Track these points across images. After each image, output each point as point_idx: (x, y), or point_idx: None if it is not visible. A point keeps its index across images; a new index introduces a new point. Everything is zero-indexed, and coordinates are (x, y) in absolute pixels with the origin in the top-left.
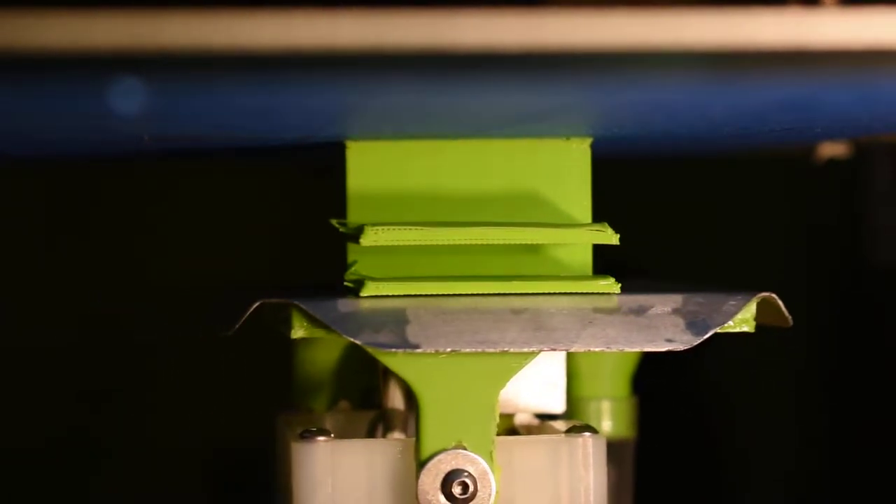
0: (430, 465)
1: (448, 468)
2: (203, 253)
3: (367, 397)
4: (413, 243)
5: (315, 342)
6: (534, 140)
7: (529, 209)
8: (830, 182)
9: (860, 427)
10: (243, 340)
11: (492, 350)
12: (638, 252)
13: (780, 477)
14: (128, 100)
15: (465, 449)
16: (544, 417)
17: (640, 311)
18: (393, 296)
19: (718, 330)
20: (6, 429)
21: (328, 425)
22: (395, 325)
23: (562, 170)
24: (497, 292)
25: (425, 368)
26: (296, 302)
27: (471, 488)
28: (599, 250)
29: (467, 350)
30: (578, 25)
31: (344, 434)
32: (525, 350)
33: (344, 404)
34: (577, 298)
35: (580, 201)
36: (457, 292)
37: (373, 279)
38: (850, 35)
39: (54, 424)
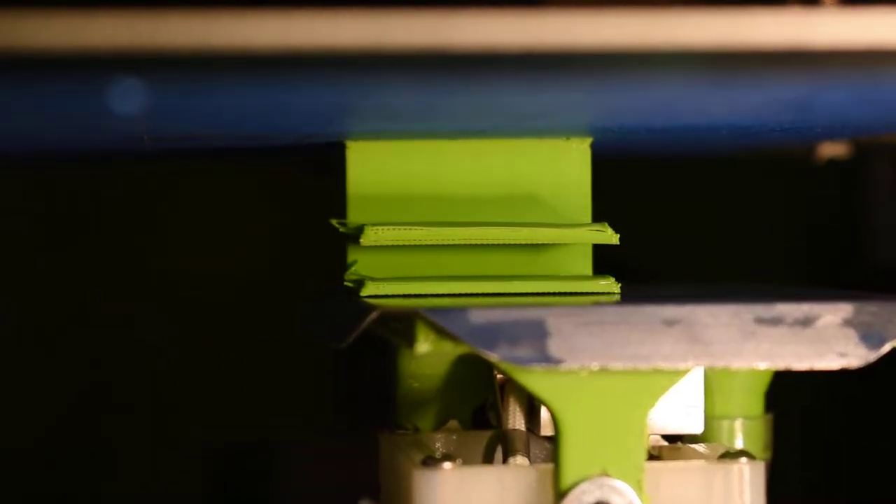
0: (571, 495)
1: (592, 499)
2: (203, 253)
3: (477, 416)
4: (413, 243)
5: (424, 355)
6: (534, 140)
7: (529, 209)
8: (830, 182)
9: (860, 427)
10: (245, 342)
11: (643, 366)
12: (638, 252)
13: (781, 478)
14: (128, 100)
15: (610, 477)
16: (671, 439)
17: (806, 322)
18: (528, 305)
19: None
20: (5, 428)
21: (438, 447)
22: (535, 338)
23: (562, 170)
24: (497, 292)
25: (568, 387)
26: (422, 312)
27: None
28: (599, 250)
29: (616, 366)
30: (578, 25)
31: (458, 457)
32: (680, 366)
33: (453, 424)
34: (735, 309)
35: (580, 201)
36: (456, 292)
37: (373, 279)
38: (850, 35)
39: (53, 425)
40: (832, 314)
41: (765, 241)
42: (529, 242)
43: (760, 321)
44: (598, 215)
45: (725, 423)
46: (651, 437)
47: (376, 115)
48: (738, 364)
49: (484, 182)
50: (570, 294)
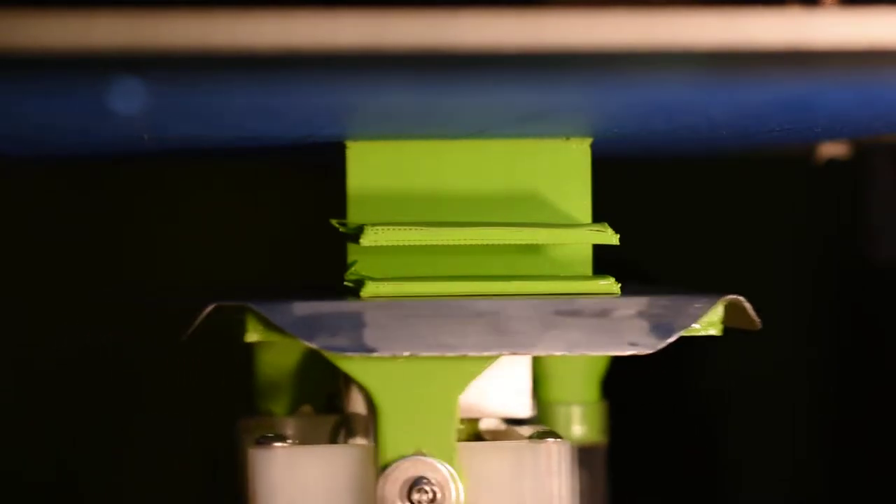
0: (389, 471)
1: (409, 475)
2: (203, 253)
3: (331, 402)
4: (413, 243)
5: (276, 344)
6: (534, 140)
7: (529, 209)
8: (830, 182)
9: (861, 427)
10: (244, 342)
11: (450, 354)
12: (638, 252)
13: (784, 478)
14: (128, 100)
15: (425, 455)
16: (513, 422)
17: (603, 313)
18: (356, 298)
19: (684, 333)
20: (4, 431)
21: (289, 430)
22: (352, 329)
23: (562, 170)
24: (496, 293)
25: (383, 373)
26: (250, 305)
27: (433, 495)
28: (599, 250)
29: (425, 354)
30: (578, 25)
31: (306, 440)
32: (484, 354)
33: (307, 409)
34: (541, 301)
35: (580, 201)
36: (457, 292)
37: (373, 279)
38: (850, 35)
39: (52, 428)
40: (626, 307)
41: (765, 241)
42: (529, 242)
43: (560, 313)
44: (598, 215)
45: (563, 409)
46: (488, 420)
47: (376, 115)
48: (537, 351)
49: (484, 182)
50: (570, 294)
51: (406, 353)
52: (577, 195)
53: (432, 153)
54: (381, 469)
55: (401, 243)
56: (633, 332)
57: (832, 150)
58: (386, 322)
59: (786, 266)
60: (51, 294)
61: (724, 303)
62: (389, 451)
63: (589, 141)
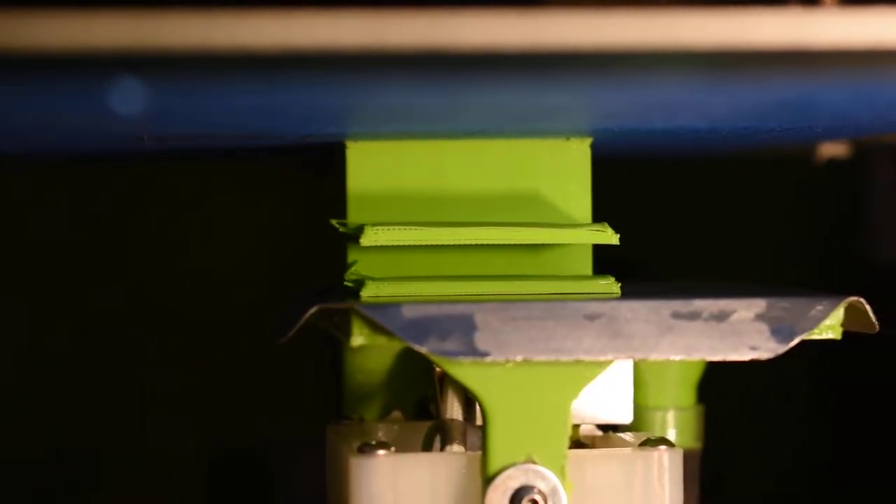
0: (497, 480)
1: (517, 484)
2: (202, 253)
3: (420, 407)
4: (413, 243)
5: (367, 348)
6: (534, 140)
7: (529, 209)
8: (830, 182)
9: (862, 427)
10: (245, 342)
11: (566, 358)
12: (638, 252)
13: (783, 474)
14: (128, 100)
15: (535, 463)
16: (606, 428)
17: (721, 316)
18: (459, 301)
19: (805, 337)
20: (4, 433)
21: (381, 436)
22: (463, 333)
23: (562, 170)
24: (497, 292)
25: (493, 378)
26: (357, 307)
27: None
28: (599, 250)
29: (540, 358)
30: (578, 25)
31: (399, 446)
32: (601, 358)
33: (396, 414)
34: (654, 304)
35: (580, 201)
36: (457, 292)
37: (373, 279)
38: (850, 35)
39: (52, 428)
40: (746, 309)
41: (765, 241)
42: (529, 242)
43: (678, 316)
44: (598, 215)
45: (658, 414)
46: (584, 426)
47: (376, 115)
48: (655, 356)
49: (484, 182)
50: (571, 294)
51: (519, 358)
52: (577, 195)
53: (432, 153)
54: (489, 478)
55: (401, 243)
56: (753, 336)
57: (832, 150)
58: (497, 325)
59: (786, 266)
60: (51, 294)
61: (846, 305)
62: (498, 458)
63: (589, 141)
